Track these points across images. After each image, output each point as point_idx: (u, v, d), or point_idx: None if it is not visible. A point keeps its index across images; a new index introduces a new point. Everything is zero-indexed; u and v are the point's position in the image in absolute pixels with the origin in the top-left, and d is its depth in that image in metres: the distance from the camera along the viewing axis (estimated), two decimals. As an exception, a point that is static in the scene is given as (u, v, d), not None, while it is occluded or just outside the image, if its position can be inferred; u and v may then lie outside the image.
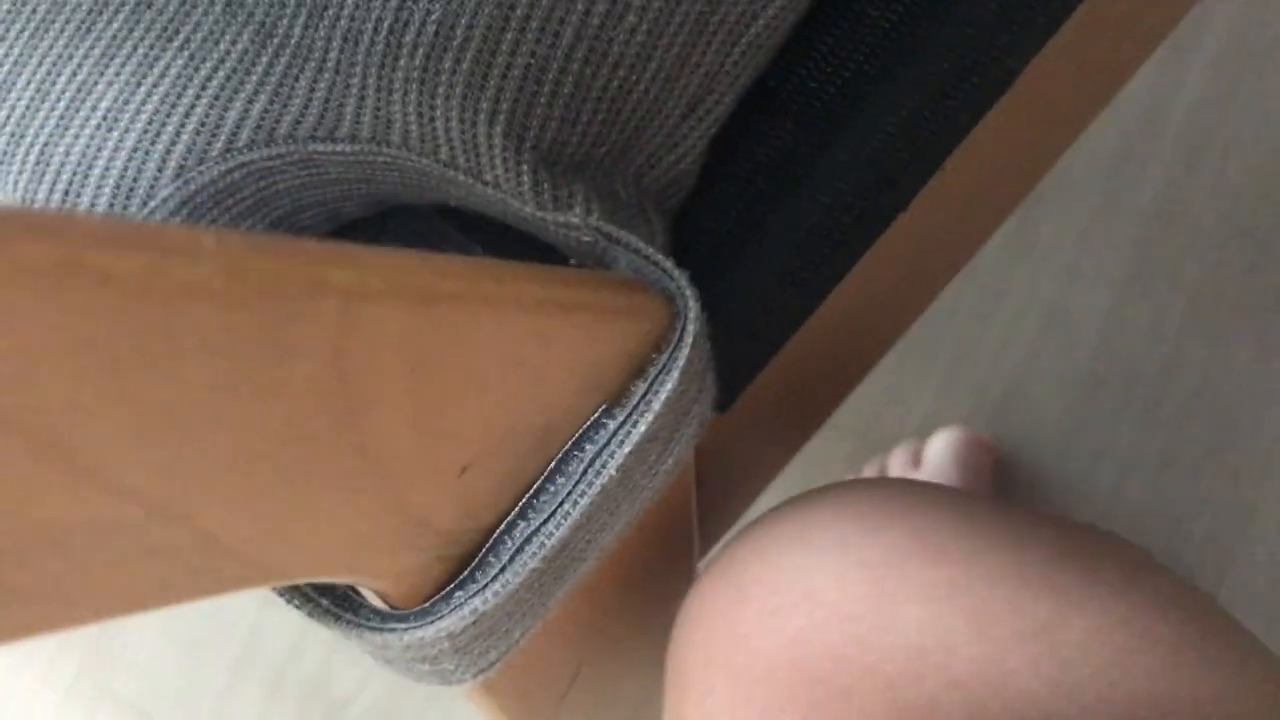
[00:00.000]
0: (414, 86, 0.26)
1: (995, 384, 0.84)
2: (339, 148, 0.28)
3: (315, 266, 0.16)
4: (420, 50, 0.26)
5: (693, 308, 0.25)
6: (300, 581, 0.23)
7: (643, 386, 0.25)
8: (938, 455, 0.81)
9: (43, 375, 0.13)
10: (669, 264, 0.25)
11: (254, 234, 0.15)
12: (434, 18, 0.25)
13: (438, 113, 0.26)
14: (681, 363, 0.25)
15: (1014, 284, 0.83)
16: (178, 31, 0.28)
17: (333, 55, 0.26)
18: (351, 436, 0.18)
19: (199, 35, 0.28)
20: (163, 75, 0.28)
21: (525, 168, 0.26)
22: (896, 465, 0.83)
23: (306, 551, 0.20)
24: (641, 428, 0.24)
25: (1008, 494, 0.82)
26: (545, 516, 0.24)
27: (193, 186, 0.28)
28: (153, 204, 0.29)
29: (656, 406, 0.25)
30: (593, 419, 0.25)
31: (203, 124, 0.28)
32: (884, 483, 0.28)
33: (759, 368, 0.31)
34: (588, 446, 0.25)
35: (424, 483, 0.21)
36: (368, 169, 0.28)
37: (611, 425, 0.25)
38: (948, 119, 0.29)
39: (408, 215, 0.33)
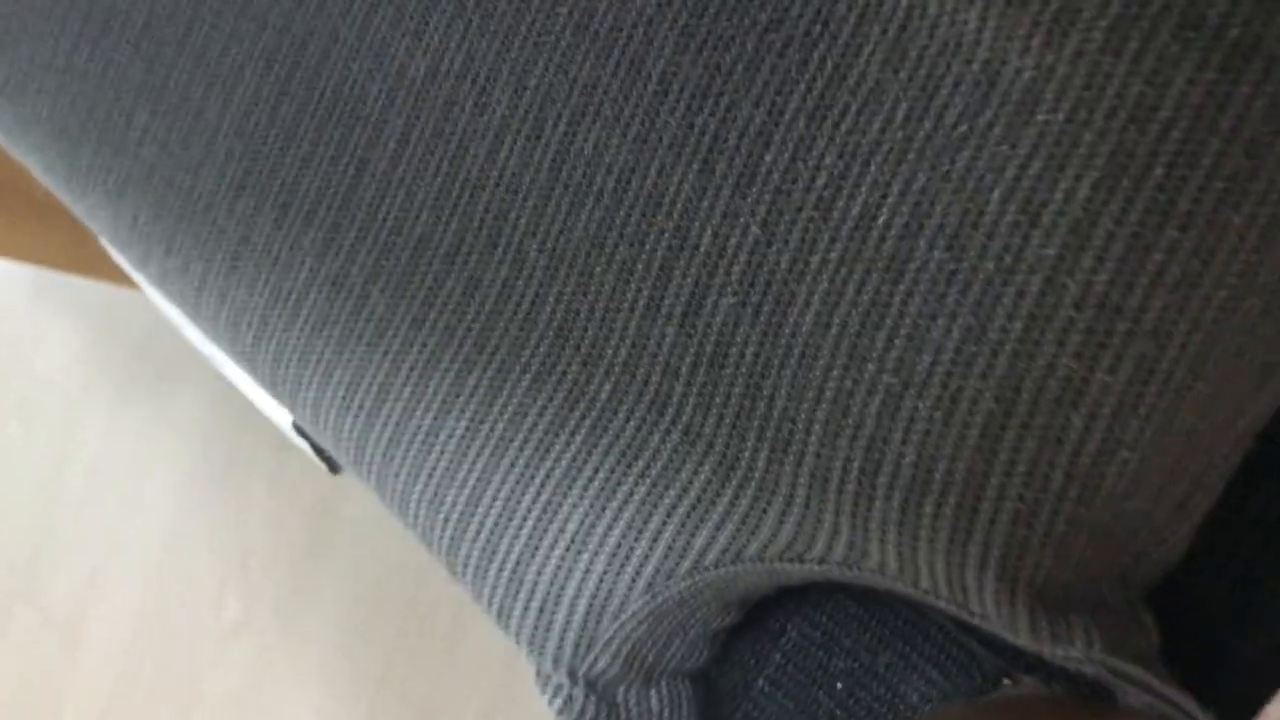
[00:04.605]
0: (892, 528, 0.26)
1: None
2: (806, 568, 0.28)
3: None
4: (897, 494, 0.25)
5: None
6: None
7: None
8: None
9: None
10: (1190, 703, 0.24)
11: None
12: (909, 460, 0.25)
13: (920, 554, 0.25)
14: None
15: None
16: (637, 457, 0.29)
17: (800, 493, 0.27)
18: None
19: (659, 463, 0.29)
20: (626, 501, 0.29)
21: (1021, 608, 0.25)
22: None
23: None
24: None
25: None
26: None
27: (660, 599, 0.29)
28: (624, 617, 0.30)
29: None
30: None
31: (670, 548, 0.29)
32: None
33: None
34: None
35: None
36: (827, 575, 0.28)
37: None
38: None
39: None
